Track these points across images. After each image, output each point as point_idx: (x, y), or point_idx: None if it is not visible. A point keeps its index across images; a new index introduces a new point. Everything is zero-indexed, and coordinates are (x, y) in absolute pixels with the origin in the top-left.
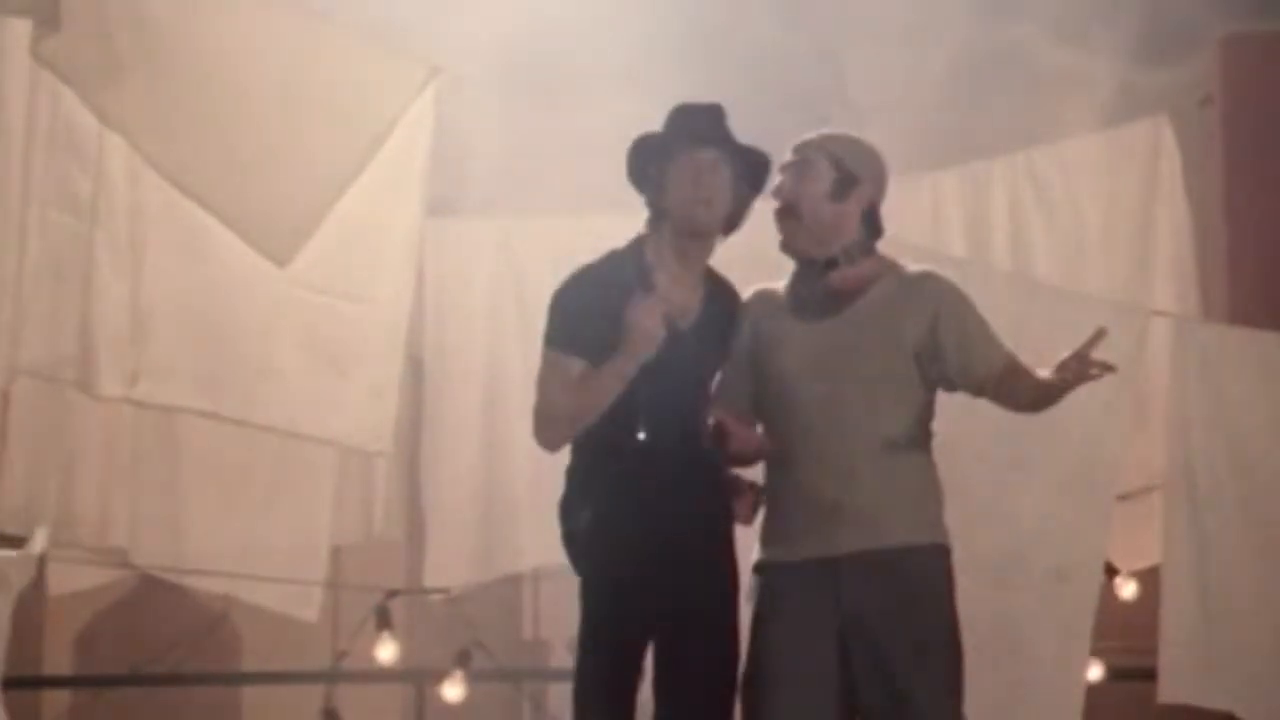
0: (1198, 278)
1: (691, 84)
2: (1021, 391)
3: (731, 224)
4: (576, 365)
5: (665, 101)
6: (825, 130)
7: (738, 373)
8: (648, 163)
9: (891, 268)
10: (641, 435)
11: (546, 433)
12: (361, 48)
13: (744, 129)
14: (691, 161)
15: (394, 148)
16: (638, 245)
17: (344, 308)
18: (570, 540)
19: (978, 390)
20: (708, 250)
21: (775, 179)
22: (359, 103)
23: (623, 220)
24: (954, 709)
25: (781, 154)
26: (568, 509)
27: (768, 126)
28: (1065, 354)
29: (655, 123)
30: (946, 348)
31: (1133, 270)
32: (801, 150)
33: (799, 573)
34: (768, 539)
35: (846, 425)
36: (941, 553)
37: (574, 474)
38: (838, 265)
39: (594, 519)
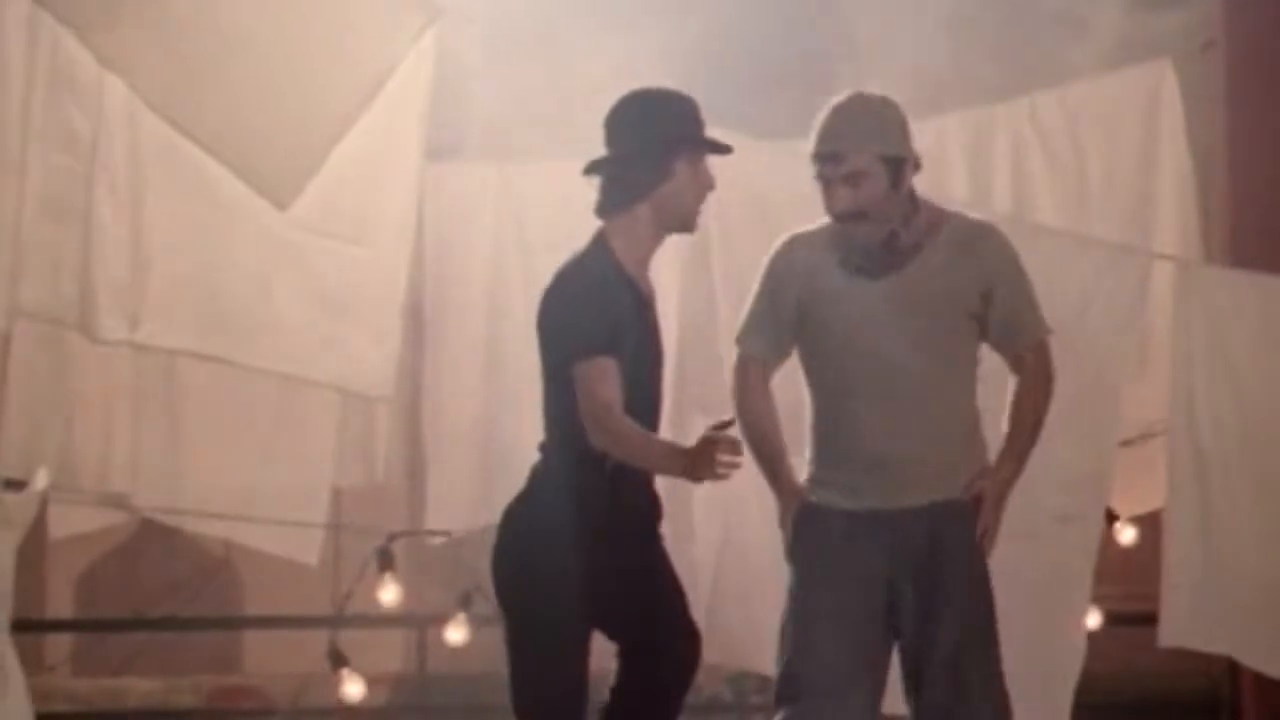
0: (1200, 221)
1: (692, 28)
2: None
3: None
4: (613, 363)
5: (667, 45)
6: (853, 116)
7: (781, 314)
8: (676, 151)
9: (945, 217)
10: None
11: (603, 435)
12: None
13: (746, 74)
14: (708, 169)
15: (394, 91)
16: (602, 240)
17: (345, 251)
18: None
19: (1011, 358)
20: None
21: (832, 193)
22: (359, 45)
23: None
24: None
25: (783, 98)
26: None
27: (770, 71)
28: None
29: (656, 66)
30: (994, 311)
31: (1135, 214)
32: (841, 157)
33: (857, 521)
34: (824, 484)
35: (913, 382)
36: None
37: (545, 477)
38: (898, 235)
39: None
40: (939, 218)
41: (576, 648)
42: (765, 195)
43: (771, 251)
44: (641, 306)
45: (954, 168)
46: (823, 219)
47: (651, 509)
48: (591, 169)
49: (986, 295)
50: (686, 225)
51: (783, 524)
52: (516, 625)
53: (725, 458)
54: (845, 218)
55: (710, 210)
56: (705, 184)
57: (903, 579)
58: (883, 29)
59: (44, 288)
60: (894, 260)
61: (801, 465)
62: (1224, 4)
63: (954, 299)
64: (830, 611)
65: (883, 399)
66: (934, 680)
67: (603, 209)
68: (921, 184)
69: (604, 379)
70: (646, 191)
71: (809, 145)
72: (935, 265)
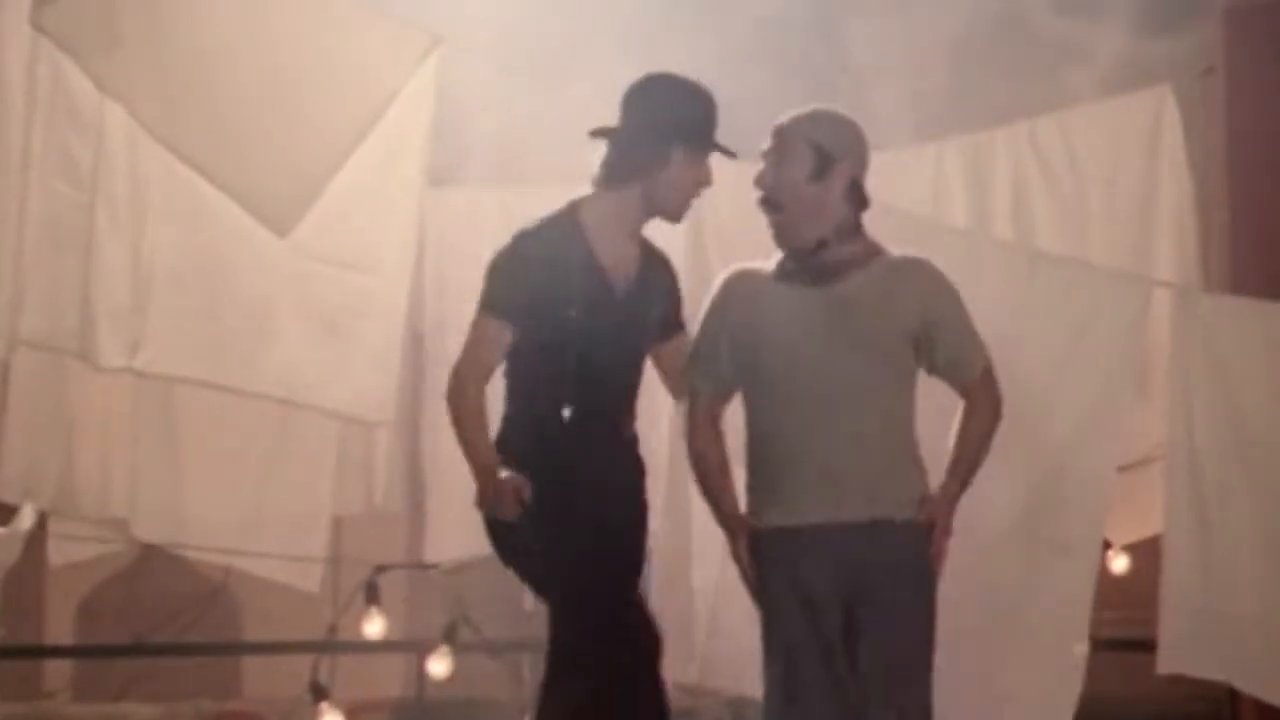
0: (1200, 248)
1: (694, 54)
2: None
3: None
4: (506, 332)
5: (669, 70)
6: (801, 111)
7: (718, 348)
8: (670, 143)
9: (883, 250)
10: (567, 413)
11: (456, 397)
12: (363, 17)
13: (747, 98)
14: (703, 164)
15: (395, 118)
16: (572, 213)
17: (345, 278)
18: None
19: (959, 388)
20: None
21: (763, 172)
22: (360, 72)
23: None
24: (926, 681)
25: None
26: None
27: (770, 95)
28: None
29: None
30: (939, 345)
31: (1135, 240)
32: (778, 136)
33: (801, 539)
34: (764, 503)
35: (849, 390)
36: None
37: (501, 444)
38: (828, 245)
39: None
40: (876, 249)
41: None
42: (757, 215)
43: (712, 288)
44: (601, 290)
45: (953, 192)
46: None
47: (618, 470)
48: (598, 133)
49: (928, 327)
50: (671, 215)
51: (736, 556)
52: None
53: (514, 508)
54: (761, 202)
55: (708, 226)
56: (701, 180)
57: (849, 594)
58: (883, 54)
59: (44, 315)
60: (827, 271)
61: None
62: (1224, 30)
63: (891, 316)
64: (801, 649)
65: (819, 407)
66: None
67: (598, 179)
68: (921, 208)
69: (480, 342)
70: (642, 174)
71: None
72: (872, 283)
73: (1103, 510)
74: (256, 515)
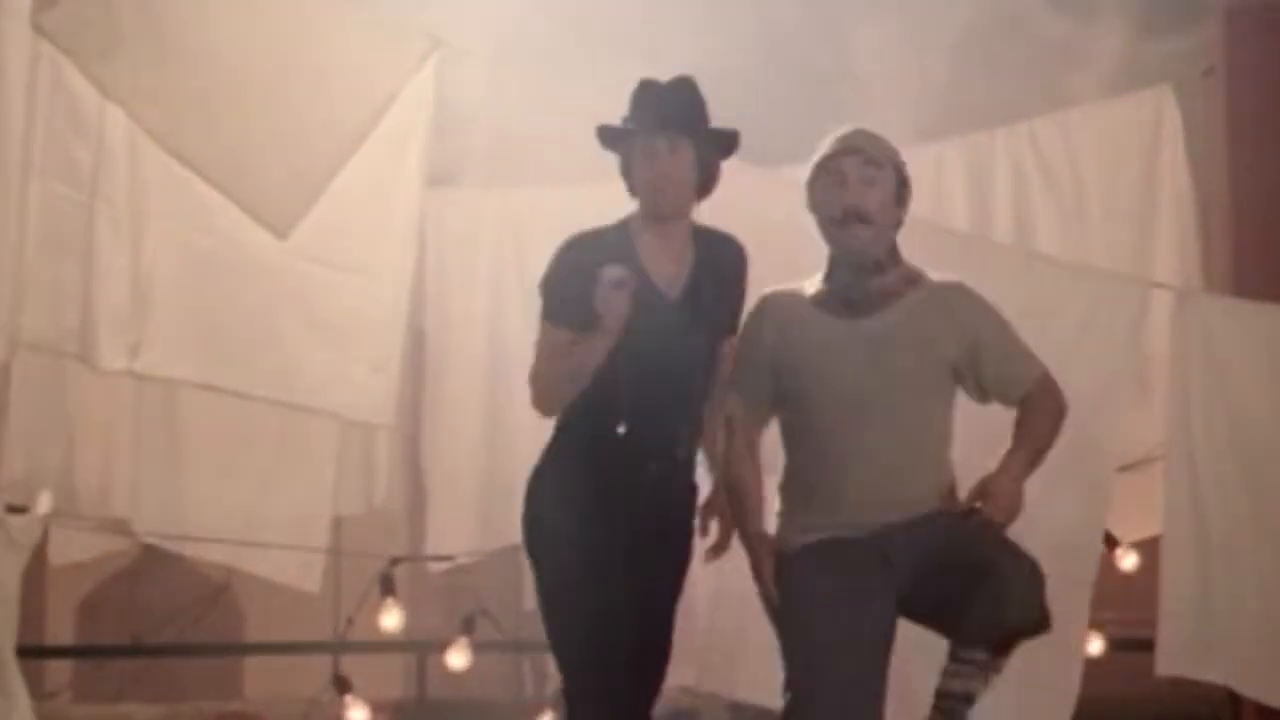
0: (1200, 249)
1: (694, 55)
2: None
3: (704, 190)
4: (564, 336)
5: (669, 73)
6: (865, 130)
7: (758, 373)
8: (611, 148)
9: (922, 275)
10: (621, 429)
11: (539, 401)
12: (362, 20)
13: (747, 100)
14: (650, 149)
15: (395, 120)
16: (625, 219)
17: (345, 280)
18: (533, 525)
19: (1014, 404)
20: (682, 223)
21: (846, 186)
22: (360, 74)
23: (624, 191)
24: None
25: (783, 124)
26: (534, 491)
27: (770, 97)
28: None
29: None
30: (985, 367)
31: (1135, 241)
32: (868, 151)
33: (845, 545)
34: (805, 529)
35: (895, 422)
36: None
37: (549, 453)
38: (884, 268)
39: (560, 507)
40: (917, 275)
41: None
42: (764, 221)
43: (746, 315)
44: (648, 294)
45: (954, 194)
46: (820, 249)
47: (654, 525)
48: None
49: (972, 352)
50: (647, 210)
51: (759, 574)
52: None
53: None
54: (852, 215)
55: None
56: (643, 174)
57: (909, 575)
58: (884, 56)
59: (45, 318)
60: (871, 302)
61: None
62: (1224, 31)
63: (933, 345)
64: (841, 640)
65: (853, 437)
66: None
67: None
68: (922, 209)
69: (548, 347)
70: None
71: (820, 155)
72: (913, 312)
73: (1102, 511)
74: (257, 515)
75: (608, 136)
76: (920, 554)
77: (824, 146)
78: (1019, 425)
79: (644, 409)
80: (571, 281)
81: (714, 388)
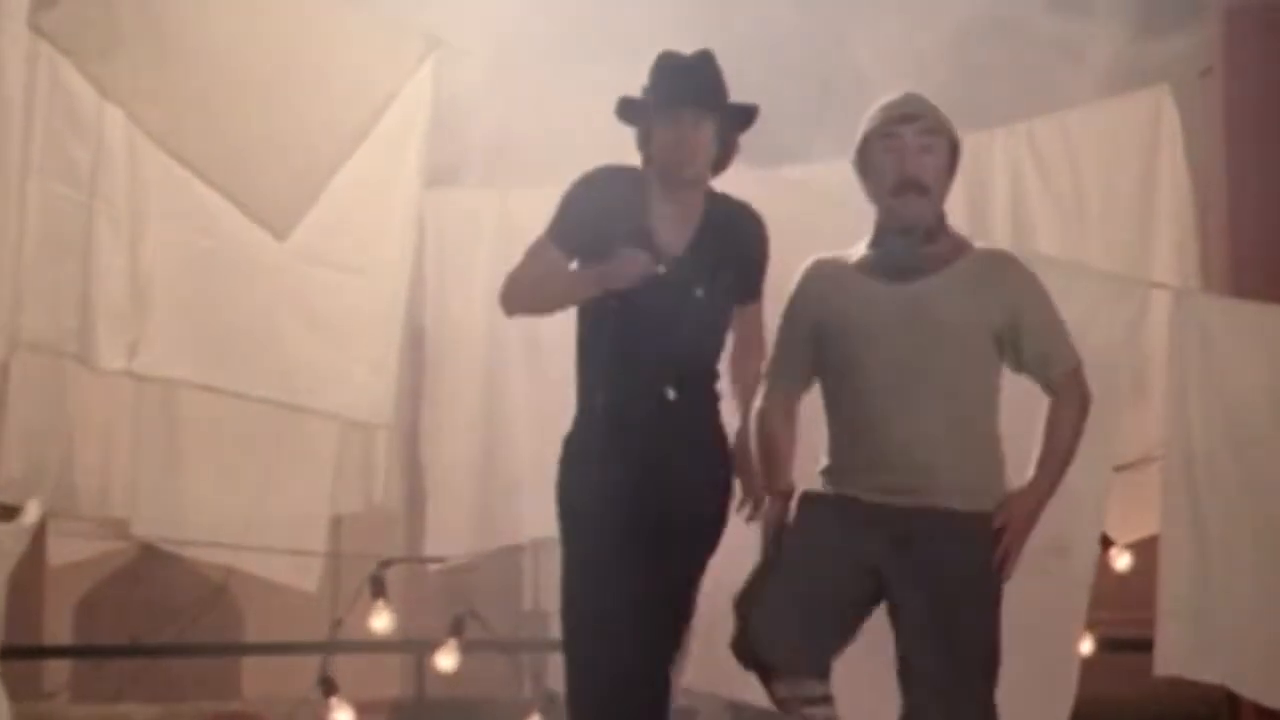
0: (1198, 249)
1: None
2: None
3: (720, 165)
4: (557, 256)
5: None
6: (921, 97)
7: (799, 338)
8: (631, 122)
9: (969, 243)
10: (671, 394)
11: (505, 298)
12: (361, 20)
13: (745, 99)
14: (675, 116)
15: (393, 120)
16: (645, 174)
17: (344, 280)
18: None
19: (1045, 384)
20: (697, 193)
21: (904, 154)
22: (358, 75)
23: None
24: (988, 676)
25: (781, 125)
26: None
27: (768, 96)
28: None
29: None
30: (1025, 342)
31: (1133, 241)
32: (925, 120)
33: (861, 508)
34: (839, 482)
35: (939, 386)
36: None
37: (577, 422)
38: (935, 236)
39: (582, 474)
40: (964, 243)
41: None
42: (770, 222)
43: (795, 278)
44: (639, 245)
45: (952, 193)
46: (822, 248)
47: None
48: None
49: (1015, 323)
50: (667, 180)
51: (768, 517)
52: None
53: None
54: (910, 185)
55: None
56: (664, 141)
57: (902, 581)
58: (882, 56)
59: (44, 318)
60: (920, 267)
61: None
62: (1222, 31)
63: (979, 315)
64: (808, 569)
65: (898, 401)
66: (921, 706)
67: None
68: None
69: (532, 255)
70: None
71: (874, 120)
72: (961, 281)
73: (1100, 510)
74: (256, 515)
75: (629, 109)
76: (921, 580)
77: (875, 111)
78: (1048, 432)
79: (634, 360)
80: (586, 212)
81: (732, 345)
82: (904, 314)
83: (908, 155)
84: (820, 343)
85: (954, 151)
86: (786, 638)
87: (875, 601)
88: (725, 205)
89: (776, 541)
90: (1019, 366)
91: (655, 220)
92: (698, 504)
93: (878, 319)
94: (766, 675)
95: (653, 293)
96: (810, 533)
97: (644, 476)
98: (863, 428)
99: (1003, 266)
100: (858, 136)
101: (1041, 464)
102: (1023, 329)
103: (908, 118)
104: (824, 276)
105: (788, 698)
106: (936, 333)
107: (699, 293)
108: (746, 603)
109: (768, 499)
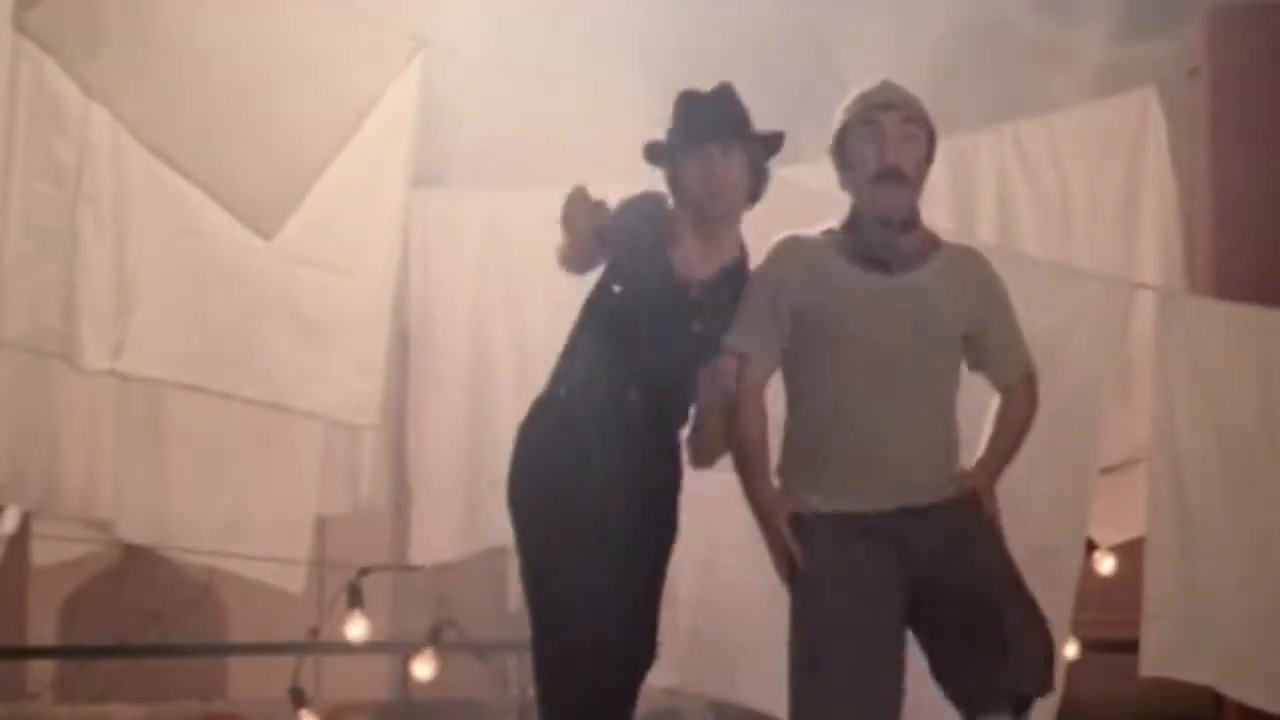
0: (1183, 251)
1: (677, 57)
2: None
3: (754, 196)
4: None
5: (653, 73)
6: (898, 84)
7: (774, 315)
8: (658, 164)
9: (939, 237)
10: (634, 395)
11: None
12: (347, 19)
13: None
14: (700, 158)
15: (380, 120)
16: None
17: (329, 280)
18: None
19: (1001, 385)
20: (732, 229)
21: (885, 142)
22: (344, 75)
23: (610, 191)
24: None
25: (767, 123)
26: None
27: (754, 98)
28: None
29: (641, 94)
30: (990, 341)
31: (1118, 243)
32: (903, 110)
33: (852, 525)
34: (819, 488)
35: (910, 380)
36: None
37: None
38: (911, 227)
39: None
40: (934, 235)
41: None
42: (755, 221)
43: (767, 252)
44: (663, 283)
45: (938, 196)
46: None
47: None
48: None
49: (981, 323)
50: (697, 217)
51: (774, 535)
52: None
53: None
54: (891, 174)
55: None
56: (695, 180)
57: (926, 573)
58: (867, 60)
59: (27, 317)
60: (904, 259)
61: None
62: (1208, 33)
63: (951, 312)
64: (853, 629)
65: (879, 395)
66: (974, 624)
67: None
68: None
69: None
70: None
71: (853, 108)
72: (937, 276)
73: (1085, 512)
74: (241, 516)
75: (655, 152)
76: (933, 553)
77: (853, 99)
78: (1001, 419)
79: (611, 357)
80: (620, 230)
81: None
82: (889, 308)
83: (889, 143)
84: (796, 330)
85: (931, 141)
86: (857, 707)
87: (905, 622)
88: (744, 250)
89: (791, 562)
90: (976, 365)
91: (677, 254)
92: (637, 504)
93: (860, 311)
94: None
95: (656, 306)
96: (827, 572)
97: (582, 465)
98: (837, 422)
99: (975, 264)
100: (835, 124)
101: (991, 446)
102: (990, 329)
103: (888, 105)
104: (802, 260)
105: None
106: (922, 328)
107: (696, 326)
108: (800, 668)
109: (754, 504)
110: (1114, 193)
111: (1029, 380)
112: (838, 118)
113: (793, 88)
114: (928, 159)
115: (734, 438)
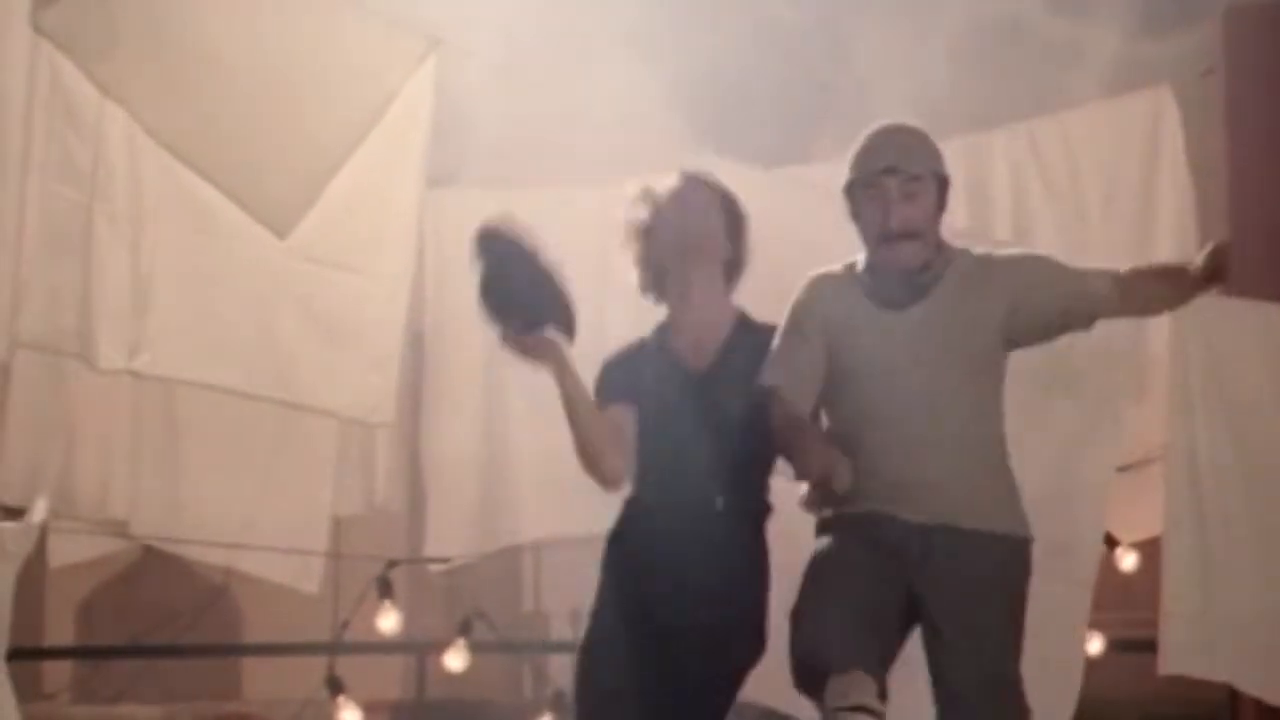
0: (1200, 248)
1: (694, 55)
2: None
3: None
4: (625, 414)
5: (669, 73)
6: (896, 133)
7: (809, 351)
8: None
9: (951, 256)
10: (720, 502)
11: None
12: (362, 19)
13: (746, 100)
14: None
15: (394, 119)
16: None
17: (344, 279)
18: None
19: (1105, 312)
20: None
21: (889, 206)
22: (359, 73)
23: (622, 192)
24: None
25: (782, 126)
26: None
27: (770, 97)
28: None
29: (655, 94)
30: (1041, 305)
31: (1134, 241)
32: (905, 168)
33: (881, 524)
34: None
35: (937, 409)
36: (1026, 545)
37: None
38: (931, 264)
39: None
40: (949, 255)
41: None
42: (771, 222)
43: (797, 292)
44: (669, 369)
45: (953, 195)
46: (823, 248)
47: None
48: None
49: (1018, 305)
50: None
51: (820, 463)
52: None
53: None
54: (899, 236)
55: None
56: None
57: (930, 597)
58: (883, 58)
59: (44, 318)
60: (918, 289)
61: None
62: (1224, 30)
63: (978, 322)
64: (842, 589)
65: (904, 426)
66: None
67: None
68: None
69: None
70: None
71: (856, 169)
72: (956, 291)
73: (1102, 510)
74: (256, 515)
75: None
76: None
77: (857, 157)
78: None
79: (667, 474)
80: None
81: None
82: (907, 340)
83: (892, 208)
84: (832, 360)
85: (943, 187)
86: (836, 635)
87: (911, 620)
88: (745, 320)
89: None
90: (1048, 332)
91: (676, 340)
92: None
93: (882, 346)
94: (821, 683)
95: (681, 394)
96: (837, 553)
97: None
98: (872, 457)
99: (987, 262)
100: (846, 171)
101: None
102: (1032, 297)
103: (890, 170)
104: (834, 291)
105: (841, 706)
106: (939, 355)
107: (728, 401)
108: (796, 620)
109: (804, 453)
110: (1130, 190)
111: (1121, 280)
112: (846, 168)
113: (806, 88)
114: (940, 204)
115: (782, 423)
